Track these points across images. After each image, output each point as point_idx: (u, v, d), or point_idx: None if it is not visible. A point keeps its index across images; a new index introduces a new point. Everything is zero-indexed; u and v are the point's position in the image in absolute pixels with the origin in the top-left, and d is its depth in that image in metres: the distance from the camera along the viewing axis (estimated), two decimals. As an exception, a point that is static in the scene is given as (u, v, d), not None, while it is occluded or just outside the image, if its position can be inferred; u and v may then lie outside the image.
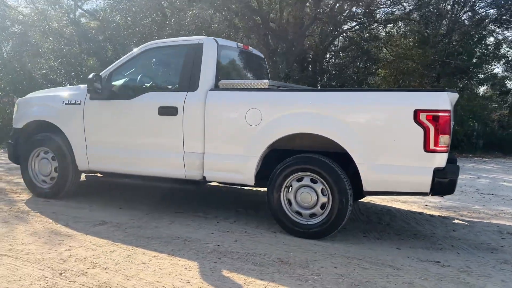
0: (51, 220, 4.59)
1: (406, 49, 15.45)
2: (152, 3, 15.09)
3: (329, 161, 4.13)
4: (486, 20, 17.33)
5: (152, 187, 6.32)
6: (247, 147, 4.38)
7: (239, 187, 5.65)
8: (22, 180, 6.26)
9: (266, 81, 4.46)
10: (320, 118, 4.09)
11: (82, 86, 5.33)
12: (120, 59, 5.13)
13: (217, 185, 6.35)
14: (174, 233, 4.27)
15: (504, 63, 18.57)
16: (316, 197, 4.19)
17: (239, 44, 5.30)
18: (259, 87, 4.46)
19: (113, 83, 5.01)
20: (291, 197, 4.29)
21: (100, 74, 4.91)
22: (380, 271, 3.51)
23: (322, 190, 4.18)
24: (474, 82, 16.29)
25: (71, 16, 16.26)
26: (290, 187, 4.31)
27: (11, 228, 4.30)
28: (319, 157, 4.17)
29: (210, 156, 4.55)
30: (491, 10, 17.79)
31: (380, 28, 17.33)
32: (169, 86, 4.89)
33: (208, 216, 4.92)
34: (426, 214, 5.42)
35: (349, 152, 4.01)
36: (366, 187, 4.01)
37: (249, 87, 4.49)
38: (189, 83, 4.65)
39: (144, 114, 4.82)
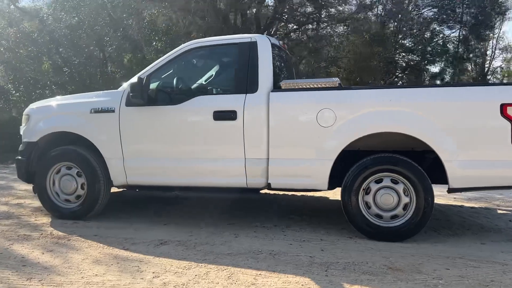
0: (102, 244, 4.03)
1: (363, 46, 15.93)
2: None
3: (410, 160, 4.02)
4: (430, 20, 18.39)
5: (175, 198, 5.89)
6: (320, 150, 4.14)
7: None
8: (29, 201, 5.56)
9: (336, 79, 4.25)
10: (403, 116, 3.96)
11: (112, 91, 4.78)
12: (159, 60, 4.65)
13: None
14: (251, 247, 3.92)
15: (445, 60, 19.82)
16: (398, 198, 4.05)
17: (279, 41, 5.03)
18: (329, 85, 4.24)
19: (151, 86, 4.52)
20: (370, 200, 4.12)
21: (142, 77, 4.39)
22: (493, 269, 3.44)
23: (404, 191, 4.05)
24: (427, 77, 17.18)
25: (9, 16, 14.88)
26: (368, 189, 4.13)
27: (65, 258, 3.70)
28: (401, 157, 4.04)
29: (276, 161, 4.25)
30: (433, 11, 18.92)
31: (333, 26, 17.63)
32: (223, 89, 4.52)
33: (267, 226, 4.61)
34: (467, 206, 5.51)
35: (435, 150, 3.92)
36: (453, 184, 3.94)
37: (318, 87, 4.25)
38: (247, 84, 4.31)
39: (197, 119, 4.41)
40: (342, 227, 4.53)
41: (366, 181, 4.11)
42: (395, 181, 4.07)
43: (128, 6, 14.47)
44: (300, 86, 4.26)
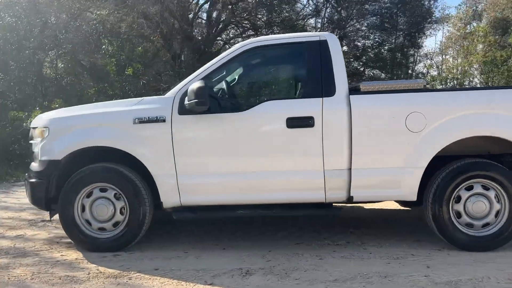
0: (178, 281, 3.33)
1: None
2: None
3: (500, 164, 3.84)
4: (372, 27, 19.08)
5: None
6: (409, 157, 3.81)
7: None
8: (29, 232, 4.63)
9: (422, 80, 3.95)
10: (501, 119, 3.75)
11: (158, 97, 4.08)
12: (213, 61, 4.04)
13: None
14: (354, 270, 3.47)
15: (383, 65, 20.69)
16: (489, 205, 3.84)
17: None
18: (414, 87, 3.93)
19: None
20: (460, 209, 3.86)
21: (205, 81, 3.75)
22: None
23: (495, 197, 3.84)
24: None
25: None
26: (459, 198, 3.87)
27: (149, 303, 3.00)
28: (492, 162, 3.84)
29: (359, 172, 3.84)
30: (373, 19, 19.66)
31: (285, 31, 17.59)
32: (294, 92, 4.02)
33: (340, 243, 4.19)
34: None
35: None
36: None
37: (403, 89, 3.92)
38: (322, 87, 3.87)
39: (267, 128, 3.89)
40: (415, 239, 4.25)
41: (458, 189, 3.84)
42: (485, 187, 3.85)
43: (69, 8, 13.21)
44: (384, 88, 3.91)
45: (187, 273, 3.49)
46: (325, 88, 3.86)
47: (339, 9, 18.40)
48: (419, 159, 3.81)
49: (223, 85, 4.04)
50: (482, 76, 22.41)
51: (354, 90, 3.95)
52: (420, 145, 3.80)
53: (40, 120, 4.21)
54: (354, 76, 19.29)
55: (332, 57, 3.92)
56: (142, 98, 4.15)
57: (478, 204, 3.83)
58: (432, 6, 19.65)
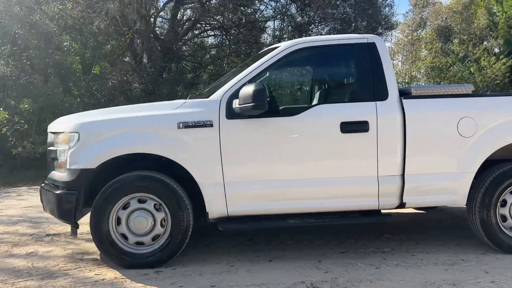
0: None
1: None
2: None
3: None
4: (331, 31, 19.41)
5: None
6: (461, 162, 3.81)
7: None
8: (42, 249, 4.19)
9: (470, 85, 3.95)
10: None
11: (202, 100, 3.79)
12: (260, 62, 3.81)
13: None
14: (418, 279, 3.38)
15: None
16: (534, 209, 3.92)
17: None
18: (463, 92, 3.92)
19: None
20: (506, 213, 3.91)
21: (257, 84, 3.52)
22: None
23: (540, 201, 3.93)
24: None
25: None
26: (504, 202, 3.91)
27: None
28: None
29: (412, 177, 3.78)
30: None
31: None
32: (346, 96, 3.89)
33: (386, 251, 4.09)
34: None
35: None
36: None
37: (453, 93, 3.90)
38: (374, 91, 3.77)
39: (320, 133, 3.72)
40: (455, 243, 4.25)
41: (504, 193, 3.89)
42: (531, 191, 3.93)
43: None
44: (434, 93, 3.87)
45: (249, 289, 3.26)
46: (378, 92, 3.77)
47: (302, 12, 18.53)
48: (470, 164, 3.81)
49: (271, 87, 3.82)
50: (428, 81, 23.40)
51: (404, 94, 3.88)
52: (471, 150, 3.80)
53: (65, 125, 3.77)
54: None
55: (382, 60, 3.84)
56: (184, 100, 3.84)
57: (522, 208, 3.90)
58: (389, 13, 20.24)
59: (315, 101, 3.79)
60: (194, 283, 3.38)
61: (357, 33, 20.33)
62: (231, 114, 3.64)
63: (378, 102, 3.75)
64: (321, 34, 19.52)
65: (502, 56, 21.43)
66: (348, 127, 3.69)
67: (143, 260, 3.67)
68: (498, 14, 29.09)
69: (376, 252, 4.05)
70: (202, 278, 3.47)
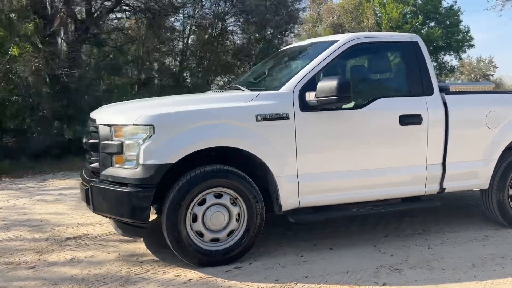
0: (349, 285, 3.21)
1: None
2: None
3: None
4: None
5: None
6: (486, 151, 4.34)
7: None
8: (105, 252, 3.83)
9: (492, 83, 4.49)
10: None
11: (274, 92, 3.73)
12: (322, 56, 3.87)
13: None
14: (477, 254, 3.81)
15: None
16: (534, 189, 4.63)
17: None
18: (487, 89, 4.45)
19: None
20: (514, 193, 4.57)
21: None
22: None
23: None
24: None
25: None
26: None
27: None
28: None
29: (451, 165, 4.21)
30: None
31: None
32: (400, 90, 4.14)
33: (420, 232, 4.46)
34: None
35: None
36: None
37: (482, 90, 4.40)
38: (423, 86, 4.11)
39: (384, 125, 3.95)
40: (468, 222, 4.77)
41: (513, 177, 4.53)
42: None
43: None
44: (468, 89, 4.34)
45: (337, 277, 3.37)
46: (426, 88, 4.11)
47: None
48: (494, 152, 4.36)
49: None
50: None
51: (442, 90, 4.27)
52: (495, 139, 4.35)
53: (132, 116, 3.42)
54: (228, 70, 19.64)
55: (425, 57, 4.19)
56: (257, 92, 3.74)
57: (525, 190, 4.59)
58: (300, 8, 21.05)
59: (376, 95, 3.96)
60: (289, 275, 3.39)
61: (269, 27, 20.91)
62: (305, 106, 3.67)
63: (427, 97, 4.09)
64: (236, 25, 19.68)
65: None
66: (406, 120, 3.97)
67: (220, 257, 3.55)
68: (381, 15, 32.15)
69: (413, 234, 4.41)
70: (286, 270, 3.48)
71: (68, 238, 4.25)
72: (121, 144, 3.41)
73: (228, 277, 3.35)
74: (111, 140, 3.48)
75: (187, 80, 17.36)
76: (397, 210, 4.22)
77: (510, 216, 4.51)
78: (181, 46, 17.30)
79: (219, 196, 3.54)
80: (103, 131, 3.54)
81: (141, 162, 3.33)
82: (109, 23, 15.18)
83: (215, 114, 3.52)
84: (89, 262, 3.66)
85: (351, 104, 3.84)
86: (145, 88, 14.88)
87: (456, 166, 4.23)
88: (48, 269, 3.49)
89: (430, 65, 4.20)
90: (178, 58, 17.06)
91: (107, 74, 12.53)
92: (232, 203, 3.58)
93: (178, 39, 17.26)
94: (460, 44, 32.72)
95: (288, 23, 21.34)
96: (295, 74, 3.84)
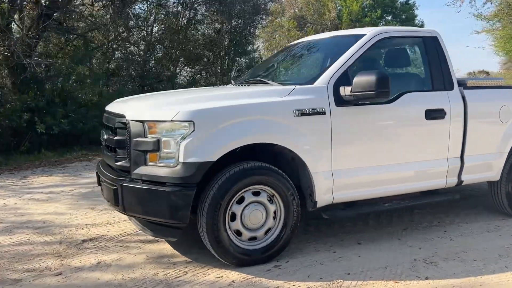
0: (386, 281, 3.21)
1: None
2: None
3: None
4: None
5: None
6: (499, 144, 4.48)
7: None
8: (131, 254, 3.65)
9: (502, 79, 4.61)
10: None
11: (307, 86, 3.64)
12: (350, 51, 3.82)
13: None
14: (497, 244, 3.94)
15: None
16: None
17: None
18: (499, 84, 4.58)
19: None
20: (521, 184, 4.76)
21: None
22: None
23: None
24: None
25: None
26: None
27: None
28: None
29: (469, 158, 4.31)
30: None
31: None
32: (423, 85, 4.17)
33: (436, 224, 4.55)
34: None
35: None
36: None
37: (494, 85, 4.52)
38: (444, 81, 4.17)
39: (412, 120, 3.98)
40: (475, 213, 4.90)
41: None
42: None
43: None
44: (484, 84, 4.44)
45: (378, 272, 3.37)
46: (447, 82, 4.17)
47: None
48: (505, 145, 4.50)
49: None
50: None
51: (461, 85, 4.35)
52: (506, 133, 4.49)
53: (169, 112, 3.23)
54: (198, 60, 19.30)
55: (445, 52, 4.25)
56: (293, 87, 3.64)
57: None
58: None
59: (403, 89, 3.96)
60: (330, 272, 3.35)
61: (238, 17, 20.69)
62: (340, 101, 3.63)
63: (448, 92, 4.16)
64: (204, 15, 19.30)
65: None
66: (432, 114, 4.01)
67: (258, 256, 3.46)
68: (341, 8, 32.65)
69: (430, 226, 4.49)
70: (329, 267, 3.45)
71: (84, 241, 4.00)
72: (157, 141, 3.23)
73: (271, 276, 3.27)
74: (145, 137, 3.28)
75: (154, 70, 16.91)
76: (422, 204, 4.26)
77: (514, 206, 4.70)
78: (147, 35, 16.80)
79: (256, 193, 3.44)
80: (135, 127, 3.33)
81: (181, 160, 3.16)
82: (74, 9, 14.47)
83: (256, 110, 3.40)
84: (118, 266, 3.46)
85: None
86: (114, 78, 14.36)
87: (473, 159, 4.34)
88: (77, 275, 3.27)
89: (450, 60, 4.26)
90: (143, 47, 16.55)
91: (75, 63, 11.93)
92: (269, 201, 3.49)
93: (144, 27, 16.73)
94: (416, 38, 33.80)
95: (256, 14, 21.23)
96: (327, 68, 3.78)
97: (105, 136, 3.76)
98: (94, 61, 14.27)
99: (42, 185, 6.38)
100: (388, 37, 4.05)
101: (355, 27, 27.08)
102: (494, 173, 4.52)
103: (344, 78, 3.69)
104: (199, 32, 18.51)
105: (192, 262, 3.53)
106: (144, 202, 3.29)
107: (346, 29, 27.71)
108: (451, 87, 4.18)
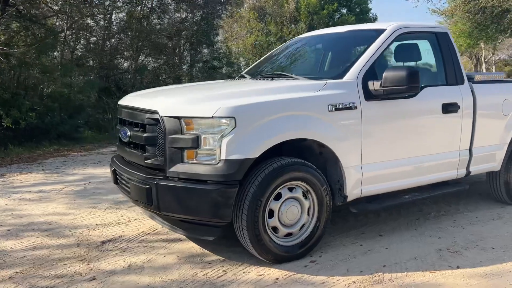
0: (423, 272, 3.30)
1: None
2: None
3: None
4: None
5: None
6: (501, 136, 4.69)
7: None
8: (159, 254, 3.54)
9: (503, 73, 4.82)
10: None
11: (337, 81, 3.63)
12: (374, 46, 3.85)
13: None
14: (505, 231, 4.15)
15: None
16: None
17: None
18: (500, 78, 4.80)
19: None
20: (517, 174, 5.02)
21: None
22: None
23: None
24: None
25: None
26: None
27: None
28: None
29: (476, 150, 4.49)
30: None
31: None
32: (438, 79, 4.27)
33: (443, 213, 4.72)
34: None
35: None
36: None
37: (497, 79, 4.72)
38: (456, 76, 4.31)
39: (432, 113, 4.10)
40: (474, 202, 5.12)
41: (518, 159, 4.98)
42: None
43: None
44: (489, 79, 4.63)
45: (411, 263, 3.46)
46: (458, 77, 4.31)
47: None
48: (507, 136, 4.72)
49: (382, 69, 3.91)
50: (253, 58, 24.94)
51: (469, 80, 4.50)
52: (508, 125, 4.71)
53: (208, 108, 3.12)
54: (158, 49, 18.84)
55: (455, 48, 4.38)
56: (325, 81, 3.61)
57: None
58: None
59: (422, 84, 4.04)
60: (367, 265, 3.39)
61: (203, 7, 20.29)
62: (369, 95, 3.66)
63: (460, 86, 4.30)
64: (166, 4, 18.82)
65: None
66: (447, 108, 4.13)
67: (295, 252, 3.44)
68: (300, 0, 32.89)
69: (439, 216, 4.65)
70: (363, 260, 3.49)
71: (103, 242, 3.81)
72: (196, 138, 3.11)
73: (312, 272, 3.26)
74: (182, 134, 3.16)
75: (118, 61, 16.34)
76: (437, 195, 4.39)
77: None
78: (108, 23, 16.17)
79: (291, 189, 3.42)
80: (171, 124, 3.19)
81: (223, 157, 3.07)
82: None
83: (295, 104, 3.35)
84: (152, 268, 3.32)
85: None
86: (80, 68, 13.72)
87: (480, 151, 4.52)
88: (113, 279, 3.11)
89: (459, 56, 4.40)
90: (103, 36, 15.92)
91: (38, 53, 11.29)
92: (303, 196, 3.47)
93: (105, 14, 16.07)
94: (370, 30, 34.77)
95: (221, 4, 20.99)
96: (354, 63, 3.79)
97: (128, 133, 3.58)
98: (57, 52, 13.55)
99: (26, 184, 6.02)
100: (406, 32, 4.12)
101: (312, 19, 27.44)
102: (496, 163, 4.73)
103: (371, 73, 3.72)
104: (164, 22, 18.04)
105: (226, 260, 3.45)
106: (183, 201, 3.17)
107: (305, 21, 27.81)
108: (462, 81, 4.32)
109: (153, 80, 16.18)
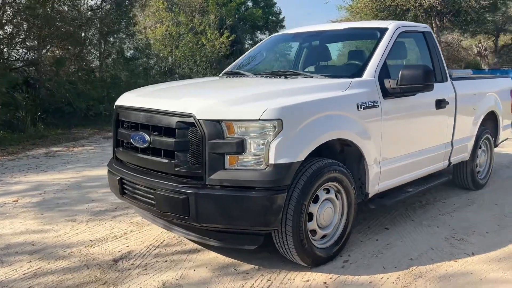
0: (436, 264, 3.48)
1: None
2: None
3: None
4: None
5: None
6: (471, 129, 5.10)
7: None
8: (184, 259, 3.30)
9: (470, 70, 5.22)
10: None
11: (359, 79, 3.61)
12: (382, 44, 3.92)
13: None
14: (492, 214, 4.53)
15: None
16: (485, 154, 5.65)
17: None
18: (470, 75, 5.18)
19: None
20: (477, 163, 5.49)
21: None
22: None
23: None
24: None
25: None
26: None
27: None
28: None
29: (456, 142, 4.82)
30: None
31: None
32: None
33: (447, 203, 5.00)
34: None
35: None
36: None
37: (468, 76, 5.09)
38: (441, 73, 4.58)
39: (430, 108, 4.30)
40: (451, 191, 5.51)
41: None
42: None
43: None
44: (466, 75, 5.00)
45: (432, 254, 3.61)
46: (443, 74, 4.58)
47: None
48: (475, 128, 5.15)
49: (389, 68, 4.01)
50: (164, 48, 24.17)
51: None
52: (475, 118, 5.13)
53: (253, 109, 2.90)
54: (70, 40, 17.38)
55: (437, 45, 4.64)
56: (350, 80, 3.56)
57: (482, 156, 5.56)
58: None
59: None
60: (396, 260, 3.47)
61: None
62: (386, 93, 3.72)
63: (445, 83, 4.57)
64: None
65: (226, 31, 24.72)
66: (440, 104, 4.37)
67: (330, 253, 3.41)
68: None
69: (423, 206, 4.90)
70: (389, 255, 3.57)
71: (115, 261, 3.40)
72: (241, 143, 2.90)
73: (352, 272, 3.25)
74: (224, 139, 2.92)
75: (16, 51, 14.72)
76: (431, 186, 4.64)
77: (477, 182, 5.43)
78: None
79: (327, 191, 3.36)
80: (210, 127, 2.92)
81: (271, 161, 2.90)
82: None
83: (333, 104, 3.29)
84: (191, 284, 3.04)
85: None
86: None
87: (458, 143, 4.87)
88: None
89: (441, 53, 4.68)
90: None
91: None
92: (338, 198, 3.45)
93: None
94: (275, 24, 35.59)
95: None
96: (368, 61, 3.82)
97: (147, 138, 3.22)
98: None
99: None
100: (404, 31, 4.26)
101: (220, 10, 27.46)
102: (467, 154, 5.13)
103: (384, 71, 3.79)
104: (72, 9, 16.61)
105: (262, 269, 3.29)
106: (227, 210, 2.94)
107: (216, 12, 27.58)
108: (446, 79, 4.60)
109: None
